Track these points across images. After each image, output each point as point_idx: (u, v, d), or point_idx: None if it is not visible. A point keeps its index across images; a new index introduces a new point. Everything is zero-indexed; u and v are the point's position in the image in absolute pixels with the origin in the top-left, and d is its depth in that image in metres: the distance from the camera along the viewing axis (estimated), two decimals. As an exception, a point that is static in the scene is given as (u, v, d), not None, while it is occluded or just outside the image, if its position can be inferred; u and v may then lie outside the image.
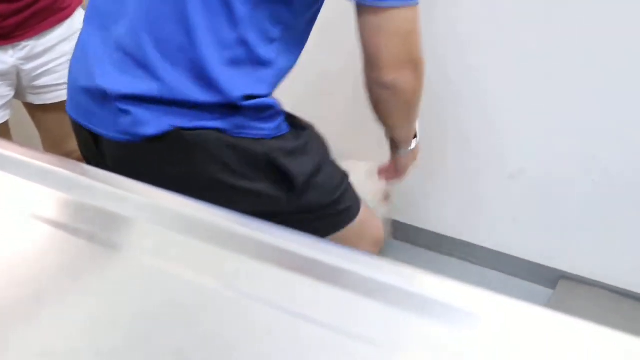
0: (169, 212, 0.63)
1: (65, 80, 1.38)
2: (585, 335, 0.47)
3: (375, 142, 1.31)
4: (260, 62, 0.98)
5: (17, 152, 0.73)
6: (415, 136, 1.24)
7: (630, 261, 1.79)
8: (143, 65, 0.97)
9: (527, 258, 1.93)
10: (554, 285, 1.89)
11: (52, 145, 1.58)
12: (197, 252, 0.59)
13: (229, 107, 0.97)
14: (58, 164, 0.71)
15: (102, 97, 0.99)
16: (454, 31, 1.71)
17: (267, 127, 1.02)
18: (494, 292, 0.51)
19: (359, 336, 0.48)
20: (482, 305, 0.49)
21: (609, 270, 1.83)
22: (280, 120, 1.04)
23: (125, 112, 0.98)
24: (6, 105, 1.42)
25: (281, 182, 1.05)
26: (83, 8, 1.49)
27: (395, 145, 1.26)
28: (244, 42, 0.95)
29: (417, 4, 0.98)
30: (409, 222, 2.04)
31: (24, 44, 1.37)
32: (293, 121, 1.09)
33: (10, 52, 1.36)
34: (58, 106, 1.50)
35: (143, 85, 0.97)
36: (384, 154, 1.28)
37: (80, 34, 1.06)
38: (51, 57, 1.43)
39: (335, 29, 1.42)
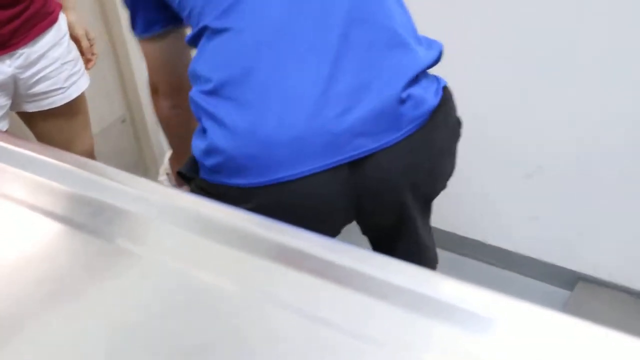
0: (186, 212, 0.64)
1: (59, 85, 1.47)
2: (603, 341, 0.47)
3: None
4: None
5: (35, 151, 0.75)
6: None
7: (650, 263, 1.78)
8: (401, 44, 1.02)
9: (544, 259, 1.91)
10: (571, 287, 1.88)
11: None
12: (214, 253, 0.60)
13: None
14: (75, 163, 0.73)
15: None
16: (469, 28, 1.71)
17: None
18: (509, 296, 0.51)
19: (373, 339, 0.49)
20: (497, 309, 0.49)
21: (629, 272, 1.81)
22: None
23: (406, 99, 0.98)
24: (4, 115, 1.43)
25: None
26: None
27: None
28: None
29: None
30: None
31: (19, 52, 1.37)
32: None
33: (8, 61, 1.37)
34: (54, 112, 1.52)
35: (411, 64, 1.02)
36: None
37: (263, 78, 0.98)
38: (45, 63, 1.44)
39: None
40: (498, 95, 1.76)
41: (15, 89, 1.44)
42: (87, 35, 1.59)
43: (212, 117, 0.98)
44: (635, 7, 1.47)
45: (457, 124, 1.14)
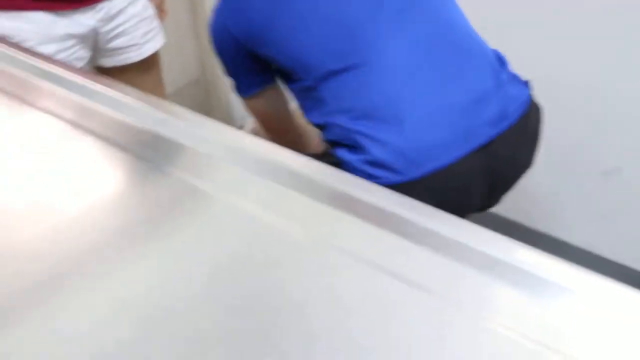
0: (255, 155, 0.65)
1: (135, 42, 1.53)
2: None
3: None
4: None
5: (123, 92, 0.77)
6: None
7: None
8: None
9: (615, 259, 1.86)
10: (641, 290, 1.82)
11: None
12: (279, 196, 0.60)
13: None
14: (153, 104, 0.75)
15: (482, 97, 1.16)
16: (550, 24, 1.66)
17: None
18: (586, 269, 0.50)
19: (447, 297, 0.49)
20: (575, 281, 0.49)
21: None
22: None
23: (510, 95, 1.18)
24: (85, 67, 1.48)
25: None
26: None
27: None
28: None
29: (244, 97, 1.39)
30: (495, 212, 2.00)
31: (100, 5, 1.40)
32: None
33: (90, 14, 1.39)
34: (129, 68, 1.54)
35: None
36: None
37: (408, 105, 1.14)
38: (124, 18, 1.46)
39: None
40: (579, 89, 1.70)
41: (95, 43, 1.46)
42: None
43: (368, 136, 1.14)
44: None
45: (540, 110, 1.28)
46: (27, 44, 1.29)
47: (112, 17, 1.44)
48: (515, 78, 1.23)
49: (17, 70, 0.84)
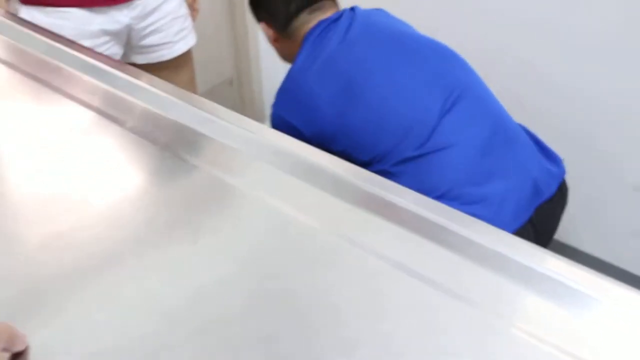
0: (284, 153, 0.65)
1: (168, 39, 1.53)
2: None
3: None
4: None
5: (155, 86, 0.78)
6: None
7: None
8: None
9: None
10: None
11: None
12: (304, 194, 0.60)
13: None
14: (185, 98, 0.75)
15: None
16: (577, 33, 1.64)
17: None
18: (615, 281, 0.50)
19: (481, 305, 0.48)
20: (602, 290, 0.48)
21: None
22: None
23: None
24: None
25: None
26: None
27: None
28: None
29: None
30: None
31: (136, 2, 1.40)
32: None
33: (125, 11, 1.39)
34: (162, 65, 1.55)
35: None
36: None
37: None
38: (158, 16, 1.46)
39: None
40: (609, 100, 1.68)
41: (128, 40, 1.47)
42: None
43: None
44: None
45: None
46: None
47: (147, 14, 1.45)
48: (550, 155, 1.36)
49: (57, 62, 0.85)
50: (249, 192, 0.63)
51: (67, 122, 0.77)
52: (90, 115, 0.76)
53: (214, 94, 2.34)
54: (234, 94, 2.49)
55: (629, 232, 1.81)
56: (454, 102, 1.26)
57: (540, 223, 1.30)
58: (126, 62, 1.56)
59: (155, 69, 1.55)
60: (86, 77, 0.81)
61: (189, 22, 1.58)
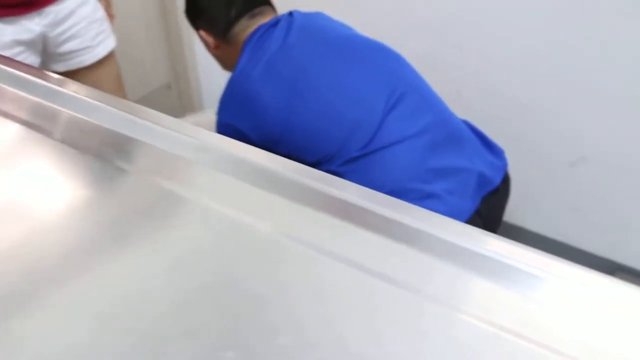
0: (232, 158, 0.64)
1: (87, 44, 1.49)
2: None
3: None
4: None
5: (88, 96, 0.75)
6: None
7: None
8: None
9: (583, 248, 1.87)
10: (610, 278, 1.83)
11: None
12: (251, 195, 0.59)
13: None
14: (123, 107, 0.73)
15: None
16: (525, 15, 1.67)
17: None
18: (559, 258, 0.50)
19: (423, 292, 0.48)
20: (547, 269, 0.48)
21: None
22: None
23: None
24: None
25: None
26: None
27: None
28: None
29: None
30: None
31: (48, 9, 1.36)
32: None
33: (37, 19, 1.35)
34: (84, 72, 1.50)
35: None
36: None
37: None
38: (74, 21, 1.42)
39: None
40: (543, 81, 1.71)
41: (44, 48, 1.43)
42: None
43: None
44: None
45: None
46: None
47: (61, 21, 1.40)
48: (492, 148, 1.39)
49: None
50: (185, 195, 0.61)
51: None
52: (16, 126, 0.73)
53: (153, 98, 2.30)
54: (173, 98, 2.45)
55: (568, 207, 1.86)
56: (397, 100, 1.27)
57: (487, 214, 1.33)
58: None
59: (77, 75, 1.51)
60: (4, 87, 0.77)
61: (106, 25, 1.54)
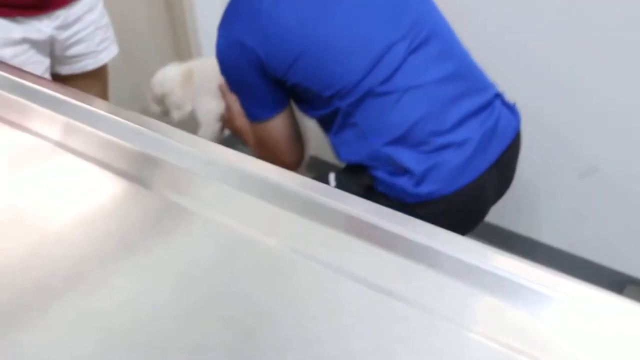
0: (237, 170, 0.64)
1: (92, 49, 1.51)
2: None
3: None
4: None
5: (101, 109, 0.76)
6: None
7: None
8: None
9: (593, 259, 1.85)
10: (620, 290, 1.82)
11: None
12: (259, 211, 0.59)
13: None
14: (132, 119, 0.73)
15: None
16: (538, 25, 1.67)
17: None
18: (568, 276, 0.49)
19: (433, 310, 0.48)
20: (556, 287, 0.48)
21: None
22: None
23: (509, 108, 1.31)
24: (46, 71, 1.45)
25: None
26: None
27: None
28: None
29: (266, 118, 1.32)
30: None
31: (57, 13, 1.38)
32: None
33: (46, 21, 1.37)
34: (84, 76, 1.53)
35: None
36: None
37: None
38: (81, 26, 1.45)
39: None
40: (556, 91, 1.71)
41: (52, 51, 1.45)
42: None
43: (394, 163, 1.20)
44: None
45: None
46: None
47: (69, 25, 1.42)
48: (506, 103, 1.33)
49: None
50: (193, 209, 0.62)
51: (3, 147, 0.74)
52: (29, 139, 0.73)
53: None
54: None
55: (577, 217, 1.85)
56: (421, 43, 1.20)
57: (501, 169, 1.30)
58: (51, 73, 1.54)
59: (78, 79, 1.54)
60: (21, 100, 0.78)
61: (111, 32, 1.57)
